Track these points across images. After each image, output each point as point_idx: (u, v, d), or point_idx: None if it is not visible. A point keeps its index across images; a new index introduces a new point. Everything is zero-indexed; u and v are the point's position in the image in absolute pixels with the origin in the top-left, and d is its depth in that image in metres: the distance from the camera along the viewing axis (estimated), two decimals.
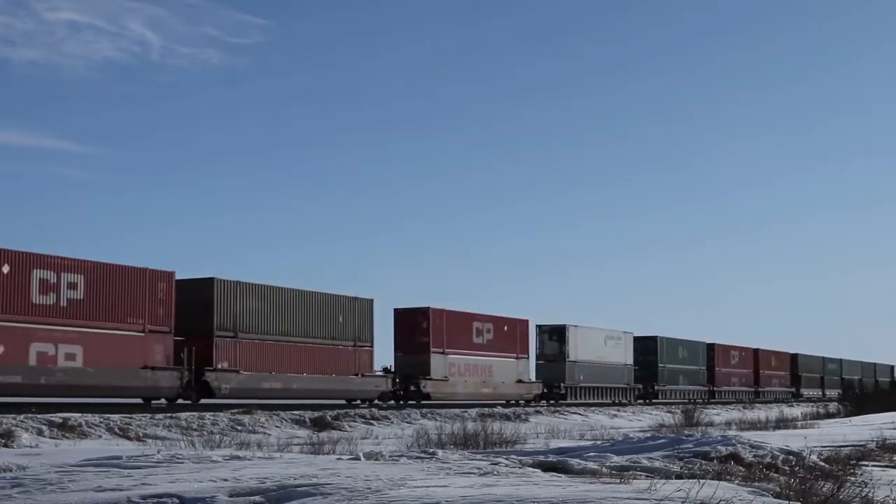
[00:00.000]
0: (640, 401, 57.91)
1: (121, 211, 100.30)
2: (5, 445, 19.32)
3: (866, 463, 13.68)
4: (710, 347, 68.51)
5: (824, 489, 8.95)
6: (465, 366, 44.27)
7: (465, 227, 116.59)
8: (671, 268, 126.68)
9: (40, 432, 21.73)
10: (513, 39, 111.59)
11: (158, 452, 12.56)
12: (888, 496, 9.09)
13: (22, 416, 22.85)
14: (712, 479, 9.24)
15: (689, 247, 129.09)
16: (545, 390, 50.00)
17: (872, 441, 18.04)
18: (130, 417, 25.05)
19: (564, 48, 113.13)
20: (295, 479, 8.58)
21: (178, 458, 11.31)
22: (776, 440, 16.16)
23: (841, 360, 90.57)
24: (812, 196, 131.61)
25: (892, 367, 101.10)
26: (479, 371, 45.22)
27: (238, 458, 11.88)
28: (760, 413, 39.88)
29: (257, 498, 7.86)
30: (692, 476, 9.71)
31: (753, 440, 14.24)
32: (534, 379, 50.12)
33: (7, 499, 8.17)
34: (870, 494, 9.18)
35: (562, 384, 50.90)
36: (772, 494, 8.36)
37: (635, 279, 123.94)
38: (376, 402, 38.19)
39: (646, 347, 61.16)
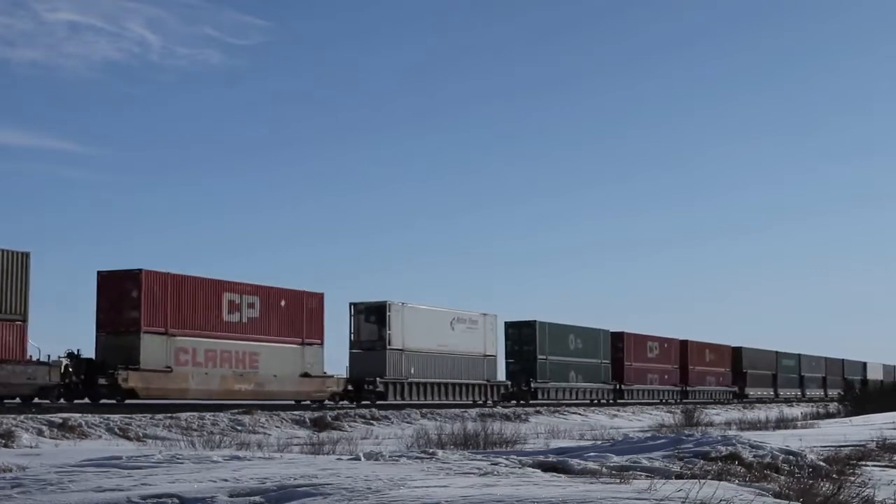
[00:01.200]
0: (514, 402, 46.68)
1: (121, 211, 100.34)
2: (5, 445, 19.32)
3: (866, 463, 13.69)
4: (618, 337, 57.10)
5: (824, 489, 8.95)
6: (207, 352, 32.51)
7: (465, 227, 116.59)
8: (670, 268, 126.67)
9: (40, 432, 21.74)
10: (513, 39, 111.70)
11: (159, 453, 12.56)
12: (888, 497, 9.09)
13: (22, 417, 22.86)
14: (712, 479, 9.24)
15: (688, 247, 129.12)
16: (350, 388, 38.51)
17: (872, 441, 18.04)
18: (130, 418, 25.06)
19: (565, 48, 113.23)
20: (295, 479, 8.58)
21: (178, 459, 11.31)
22: (776, 440, 16.16)
23: (800, 355, 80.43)
24: (812, 196, 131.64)
25: (864, 363, 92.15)
26: (231, 360, 33.41)
27: (238, 458, 11.88)
28: (760, 413, 39.88)
29: (257, 498, 7.86)
30: (692, 476, 9.71)
31: (753, 440, 14.25)
32: (344, 373, 39.27)
33: (7, 499, 8.17)
34: (870, 494, 9.18)
35: (379, 379, 39.07)
36: (772, 494, 8.37)
37: (635, 279, 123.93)
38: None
39: (522, 335, 49.25)
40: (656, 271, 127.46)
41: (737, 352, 70.95)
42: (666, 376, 61.93)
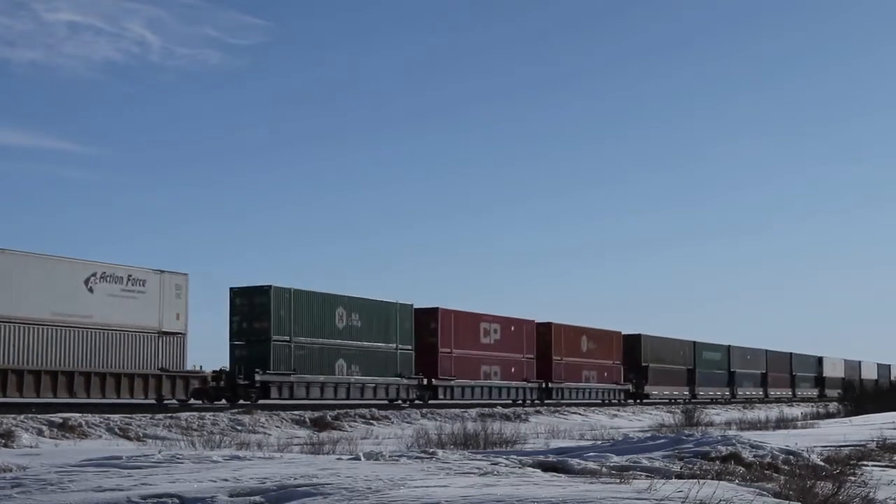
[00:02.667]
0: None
1: (121, 211, 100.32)
2: (5, 445, 19.32)
3: (866, 463, 13.70)
4: (429, 315, 40.86)
5: (824, 489, 8.95)
6: None
7: (465, 228, 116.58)
8: (670, 267, 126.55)
9: (40, 432, 21.73)
10: (513, 39, 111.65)
11: (159, 452, 12.56)
12: (888, 497, 9.09)
13: (22, 417, 22.85)
14: (712, 479, 9.25)
15: (688, 247, 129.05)
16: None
17: (872, 441, 18.05)
18: (130, 417, 25.05)
19: (564, 48, 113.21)
20: (295, 479, 8.58)
21: (178, 458, 11.31)
22: (776, 440, 16.17)
23: (729, 346, 66.59)
24: (811, 196, 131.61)
25: (820, 358, 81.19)
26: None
27: (238, 458, 11.88)
28: (760, 413, 39.89)
29: (257, 498, 7.86)
30: (692, 476, 9.71)
31: (753, 440, 14.26)
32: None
33: (7, 499, 8.17)
34: (870, 494, 9.19)
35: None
36: (772, 494, 8.37)
37: (634, 279, 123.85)
38: None
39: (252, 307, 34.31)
40: (656, 271, 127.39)
41: (631, 339, 55.75)
42: (513, 370, 45.52)
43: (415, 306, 40.98)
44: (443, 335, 41.49)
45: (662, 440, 14.44)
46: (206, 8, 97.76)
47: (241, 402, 32.21)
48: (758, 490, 8.49)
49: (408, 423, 31.24)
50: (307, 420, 29.04)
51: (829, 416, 42.67)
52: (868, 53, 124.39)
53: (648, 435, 18.25)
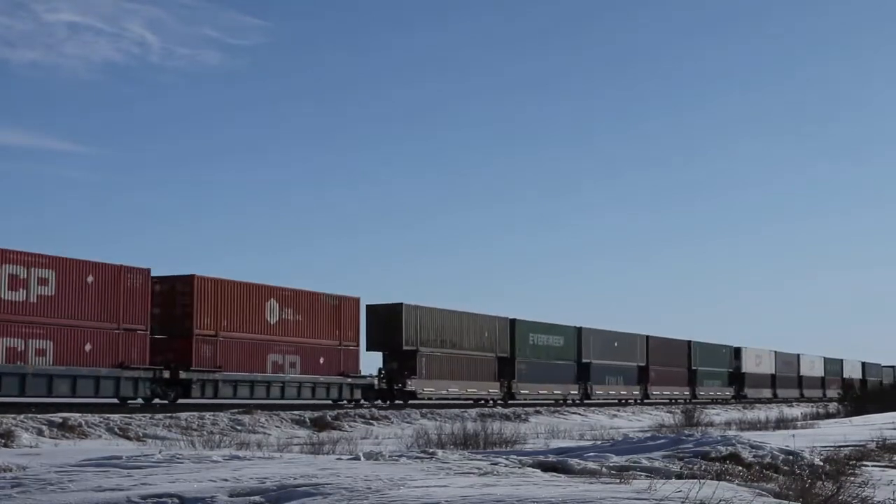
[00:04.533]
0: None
1: (120, 211, 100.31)
2: (5, 445, 19.31)
3: (866, 463, 13.69)
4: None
5: (824, 489, 8.95)
6: None
7: (465, 227, 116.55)
8: (669, 267, 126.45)
9: (40, 432, 21.72)
10: (511, 38, 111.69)
11: (159, 452, 12.56)
12: (888, 497, 9.08)
13: (22, 416, 22.84)
14: (712, 479, 9.25)
15: (687, 246, 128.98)
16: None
17: (872, 441, 18.05)
18: (130, 417, 25.03)
19: (563, 47, 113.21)
20: (295, 479, 8.58)
21: (178, 458, 11.31)
22: (776, 440, 16.17)
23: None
24: (811, 196, 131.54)
25: (739, 349, 69.62)
26: None
27: (238, 458, 11.88)
28: (760, 413, 39.87)
29: (257, 498, 7.85)
30: (692, 476, 9.71)
31: (753, 440, 14.26)
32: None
33: (7, 499, 8.17)
34: (870, 495, 9.18)
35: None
36: (772, 494, 8.37)
37: (632, 278, 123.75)
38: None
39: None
40: (656, 271, 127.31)
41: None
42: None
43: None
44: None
45: (662, 440, 14.44)
46: (205, 8, 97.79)
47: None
48: (758, 490, 8.49)
49: (408, 423, 31.23)
50: (307, 420, 29.03)
51: (828, 416, 42.65)
52: (868, 53, 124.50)
53: (648, 435, 18.24)
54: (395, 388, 40.08)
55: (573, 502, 7.00)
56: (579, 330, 53.38)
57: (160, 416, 26.03)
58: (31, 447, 18.97)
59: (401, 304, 41.18)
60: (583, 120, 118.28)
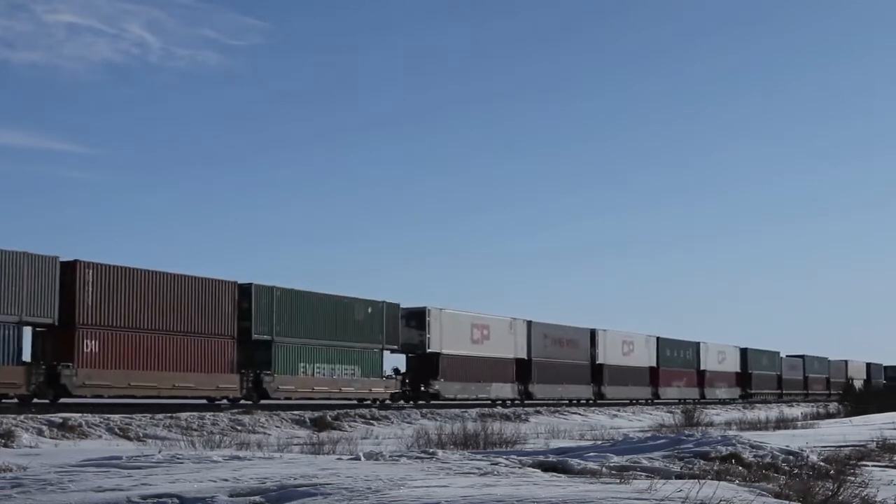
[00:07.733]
0: None
1: (120, 211, 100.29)
2: (5, 445, 19.31)
3: (866, 463, 13.68)
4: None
5: (824, 489, 8.95)
6: None
7: (464, 227, 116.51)
8: (669, 267, 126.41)
9: (40, 432, 21.72)
10: (512, 40, 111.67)
11: (159, 452, 12.55)
12: (888, 497, 9.08)
13: (22, 416, 22.84)
14: (712, 479, 9.24)
15: (687, 246, 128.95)
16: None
17: (872, 441, 18.04)
18: (130, 418, 25.04)
19: (564, 49, 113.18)
20: (295, 479, 8.57)
21: (178, 459, 11.30)
22: (776, 440, 16.15)
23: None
24: (811, 196, 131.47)
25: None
26: None
27: (238, 458, 11.87)
28: (760, 413, 39.85)
29: (257, 498, 7.85)
30: (692, 476, 9.70)
31: (753, 440, 14.24)
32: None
33: (7, 499, 8.16)
34: (870, 494, 9.18)
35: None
36: (772, 494, 8.36)
37: (633, 278, 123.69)
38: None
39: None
40: (655, 271, 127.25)
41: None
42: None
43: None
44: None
45: (662, 440, 14.41)
46: (204, 9, 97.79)
47: None
48: (758, 490, 8.48)
49: (408, 423, 31.23)
50: (307, 420, 29.03)
51: (829, 416, 42.65)
52: (869, 53, 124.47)
53: (648, 435, 18.22)
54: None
55: (573, 502, 6.99)
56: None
57: (160, 416, 26.03)
58: (31, 447, 18.96)
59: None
60: (582, 121, 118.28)
